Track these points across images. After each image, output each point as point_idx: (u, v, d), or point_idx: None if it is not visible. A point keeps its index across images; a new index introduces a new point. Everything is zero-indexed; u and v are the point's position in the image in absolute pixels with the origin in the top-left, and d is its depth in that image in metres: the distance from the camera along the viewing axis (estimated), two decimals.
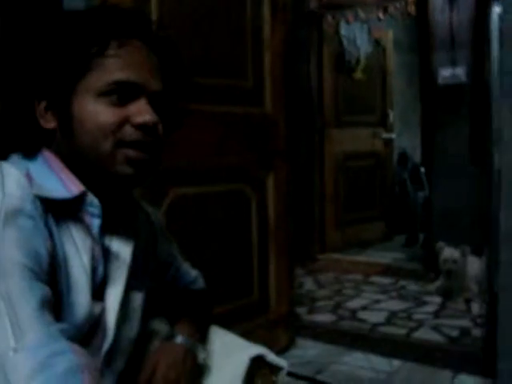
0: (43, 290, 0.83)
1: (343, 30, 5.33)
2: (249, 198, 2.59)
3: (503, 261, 2.11)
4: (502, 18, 2.12)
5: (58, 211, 0.91)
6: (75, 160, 0.95)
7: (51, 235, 0.89)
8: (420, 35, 4.79)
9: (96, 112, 0.91)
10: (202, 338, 1.19)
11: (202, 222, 2.37)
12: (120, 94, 0.92)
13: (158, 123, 0.96)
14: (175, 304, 1.26)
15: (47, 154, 0.96)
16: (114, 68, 0.92)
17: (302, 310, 3.51)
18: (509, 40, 2.11)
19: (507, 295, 2.11)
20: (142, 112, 0.93)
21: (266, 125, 2.66)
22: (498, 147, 2.17)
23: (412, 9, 4.41)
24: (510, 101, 2.11)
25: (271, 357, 1.19)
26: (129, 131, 0.93)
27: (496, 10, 2.15)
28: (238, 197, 2.55)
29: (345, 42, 5.36)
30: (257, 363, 1.18)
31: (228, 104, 2.47)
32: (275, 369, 1.21)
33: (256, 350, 1.18)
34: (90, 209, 0.95)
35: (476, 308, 3.47)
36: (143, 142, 0.94)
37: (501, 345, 2.16)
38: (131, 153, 0.93)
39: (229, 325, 1.32)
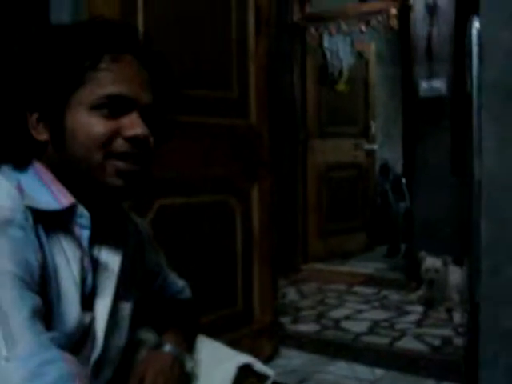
0: (34, 299, 0.84)
1: (326, 43, 5.39)
2: (233, 209, 2.61)
3: (484, 270, 2.15)
4: (480, 33, 2.17)
5: (48, 222, 0.92)
6: (66, 171, 0.96)
7: (41, 246, 0.90)
8: (402, 48, 4.86)
9: (88, 124, 0.93)
10: (190, 348, 1.20)
11: (187, 232, 2.38)
12: (112, 107, 0.94)
13: (148, 136, 0.98)
14: (163, 314, 1.27)
15: (38, 166, 0.97)
16: (106, 82, 0.94)
17: (285, 320, 3.52)
18: (488, 55, 2.15)
19: (488, 305, 2.15)
20: (133, 125, 0.95)
21: (250, 136, 2.68)
22: (479, 158, 2.21)
23: (394, 22, 4.47)
24: (490, 113, 2.15)
25: (258, 366, 1.21)
26: (120, 143, 0.95)
27: (476, 25, 2.20)
28: (223, 207, 2.56)
29: (328, 54, 5.42)
30: (244, 372, 1.19)
31: (214, 115, 2.49)
32: (262, 378, 1.22)
33: (243, 358, 1.19)
34: (80, 220, 0.96)
35: (457, 317, 3.50)
36: (134, 153, 0.96)
37: (482, 354, 2.19)
38: (121, 165, 0.95)
39: (213, 335, 1.33)
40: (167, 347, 1.13)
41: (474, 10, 2.22)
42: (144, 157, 0.98)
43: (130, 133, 0.95)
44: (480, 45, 2.19)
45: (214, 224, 2.51)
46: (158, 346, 1.15)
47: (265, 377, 1.22)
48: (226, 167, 2.56)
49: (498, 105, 2.15)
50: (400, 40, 5.09)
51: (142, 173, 0.98)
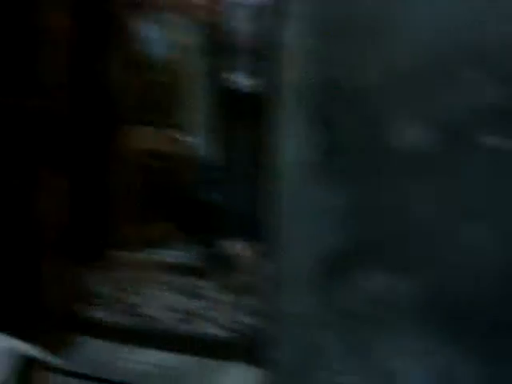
0: None
1: (144, 32, 5.35)
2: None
3: (269, 254, 2.29)
4: (279, 33, 2.29)
5: None
6: None
7: None
8: (213, 42, 4.98)
9: None
10: None
11: None
12: None
13: None
14: None
15: None
16: None
17: (85, 309, 3.44)
18: (286, 55, 2.29)
19: (271, 288, 2.29)
20: None
21: (49, 118, 2.58)
22: (275, 154, 2.35)
23: (207, 16, 4.57)
24: (285, 112, 2.30)
25: (44, 356, 1.18)
26: None
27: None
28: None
29: (145, 44, 5.39)
30: (33, 362, 1.16)
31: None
32: (52, 368, 1.20)
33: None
34: None
35: (251, 300, 3.65)
36: None
37: (267, 336, 2.34)
38: None
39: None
40: None
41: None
42: None
43: None
44: (278, 45, 2.32)
45: None
46: None
47: (55, 367, 1.21)
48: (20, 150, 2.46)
49: (292, 104, 2.30)
50: (212, 34, 5.20)
51: None
